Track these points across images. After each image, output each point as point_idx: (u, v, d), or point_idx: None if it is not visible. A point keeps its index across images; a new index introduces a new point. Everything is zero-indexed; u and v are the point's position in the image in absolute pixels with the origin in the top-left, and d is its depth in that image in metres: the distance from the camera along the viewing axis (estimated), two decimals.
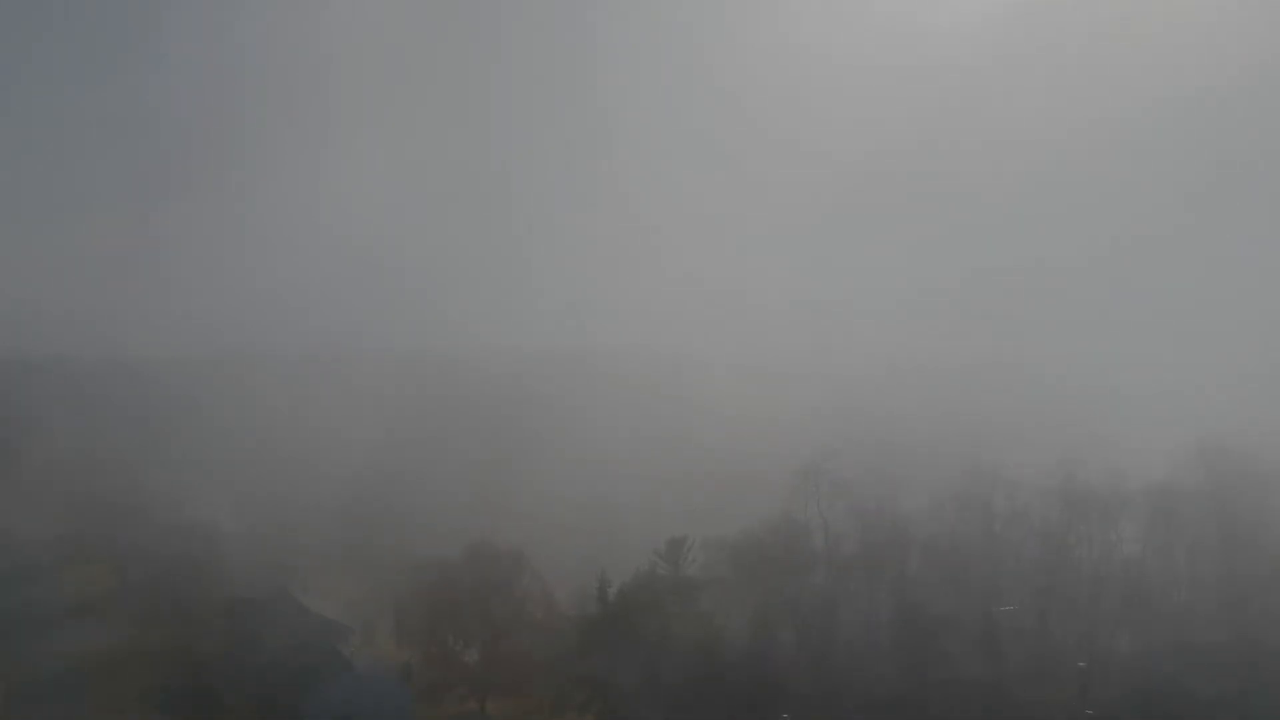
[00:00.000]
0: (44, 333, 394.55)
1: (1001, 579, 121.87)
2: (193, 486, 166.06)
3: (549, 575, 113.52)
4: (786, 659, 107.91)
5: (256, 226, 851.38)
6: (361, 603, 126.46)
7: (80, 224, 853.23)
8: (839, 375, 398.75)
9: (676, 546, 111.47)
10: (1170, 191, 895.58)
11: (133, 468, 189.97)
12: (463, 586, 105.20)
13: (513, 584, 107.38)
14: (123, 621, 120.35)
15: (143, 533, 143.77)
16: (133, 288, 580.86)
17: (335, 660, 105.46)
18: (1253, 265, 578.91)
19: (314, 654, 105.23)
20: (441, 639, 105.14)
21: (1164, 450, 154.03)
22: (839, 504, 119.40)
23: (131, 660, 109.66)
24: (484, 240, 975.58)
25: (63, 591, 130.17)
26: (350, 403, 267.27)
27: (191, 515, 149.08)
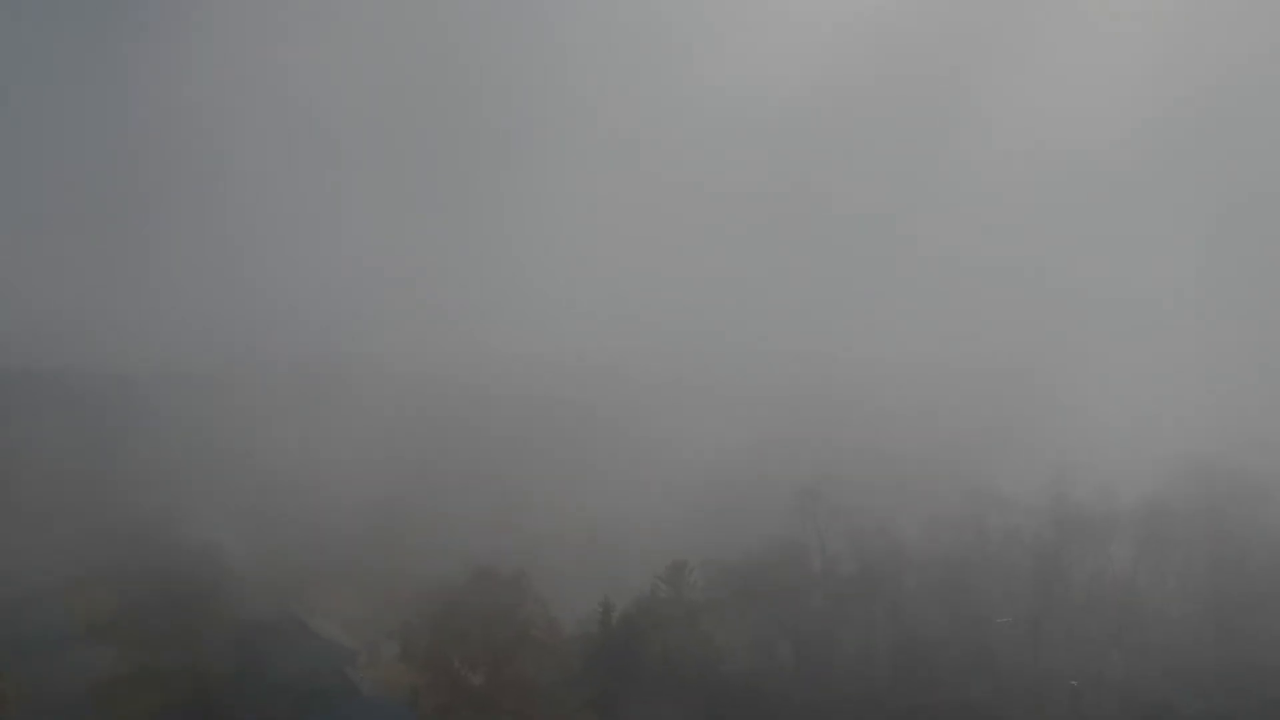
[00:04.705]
0: (43, 345, 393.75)
1: (996, 599, 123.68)
2: (197, 506, 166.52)
3: (552, 598, 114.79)
4: (786, 679, 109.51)
5: (255, 237, 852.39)
6: (367, 625, 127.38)
7: (79, 234, 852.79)
8: (834, 379, 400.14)
9: (678, 570, 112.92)
10: (1165, 199, 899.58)
11: (136, 487, 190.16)
12: (467, 610, 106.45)
13: (517, 608, 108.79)
14: (128, 644, 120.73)
15: (148, 554, 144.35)
16: (132, 299, 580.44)
17: (341, 684, 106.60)
18: (1246, 278, 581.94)
19: (320, 678, 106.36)
20: (447, 663, 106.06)
21: (1155, 463, 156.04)
22: (837, 525, 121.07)
23: (137, 684, 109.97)
24: (477, 245, 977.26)
25: (69, 615, 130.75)
26: (353, 417, 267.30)
27: (197, 536, 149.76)
